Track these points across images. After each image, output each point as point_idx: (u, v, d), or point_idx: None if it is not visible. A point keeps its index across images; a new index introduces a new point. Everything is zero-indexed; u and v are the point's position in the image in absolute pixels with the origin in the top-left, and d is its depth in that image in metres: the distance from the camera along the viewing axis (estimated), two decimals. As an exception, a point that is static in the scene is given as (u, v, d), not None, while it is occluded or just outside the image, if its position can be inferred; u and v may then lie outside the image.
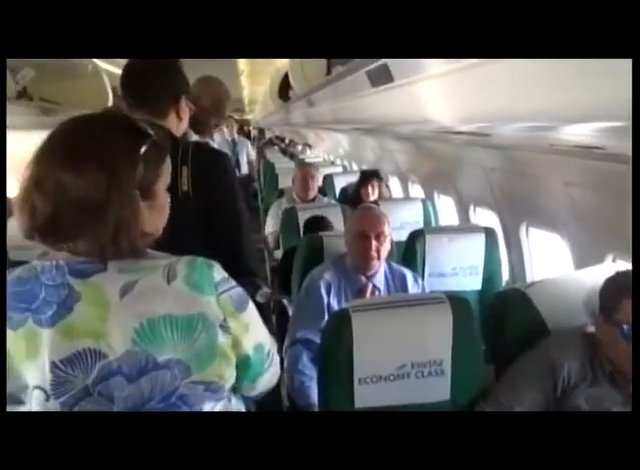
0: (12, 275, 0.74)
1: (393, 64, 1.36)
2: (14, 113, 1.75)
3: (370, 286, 1.71)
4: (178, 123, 1.38)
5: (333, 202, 3.29)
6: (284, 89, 3.37)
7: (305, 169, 3.32)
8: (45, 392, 0.71)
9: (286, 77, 3.37)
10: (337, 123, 3.06)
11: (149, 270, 0.74)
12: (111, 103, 2.89)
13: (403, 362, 1.15)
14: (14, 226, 2.19)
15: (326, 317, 1.58)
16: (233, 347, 0.77)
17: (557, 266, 1.90)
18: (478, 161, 2.13)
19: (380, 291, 1.73)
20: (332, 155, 6.63)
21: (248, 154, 5.03)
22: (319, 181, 3.50)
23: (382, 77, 1.51)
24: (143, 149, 0.75)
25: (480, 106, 1.08)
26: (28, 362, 0.71)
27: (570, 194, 1.57)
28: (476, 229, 2.03)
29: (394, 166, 3.69)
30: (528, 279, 1.97)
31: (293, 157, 7.29)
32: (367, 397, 1.15)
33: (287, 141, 10.23)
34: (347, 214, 2.80)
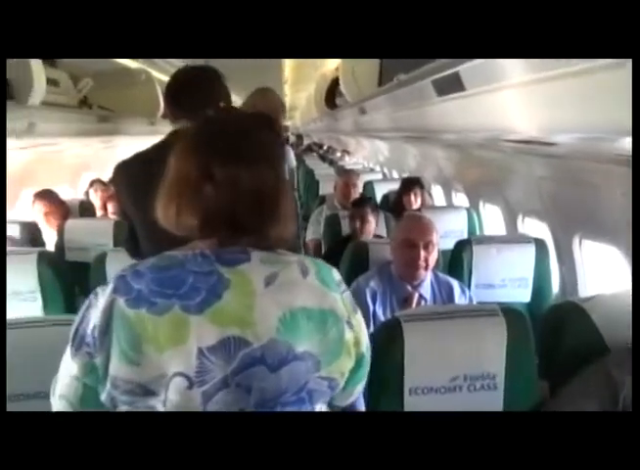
0: (144, 264, 0.74)
1: (466, 72, 1.34)
2: (76, 120, 1.84)
3: (416, 295, 1.70)
4: None
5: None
6: (330, 96, 3.39)
7: (347, 177, 3.33)
8: (189, 379, 0.70)
9: (333, 84, 3.39)
10: (396, 132, 3.03)
11: (286, 264, 0.76)
12: (162, 109, 3.00)
13: (456, 374, 1.13)
14: (73, 227, 2.29)
15: (371, 326, 1.57)
16: (354, 344, 0.79)
17: (613, 280, 1.82)
18: (528, 169, 2.07)
19: (426, 300, 1.71)
20: (371, 161, 6.61)
21: (289, 160, 5.08)
22: (360, 188, 3.50)
23: (451, 86, 1.49)
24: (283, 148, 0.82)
25: (558, 117, 1.05)
26: (173, 349, 0.70)
27: (629, 205, 1.50)
28: (525, 240, 1.98)
29: (437, 174, 3.64)
30: (581, 293, 1.90)
31: (332, 163, 7.31)
32: (417, 408, 1.13)
33: (325, 147, 10.29)
34: (390, 222, 2.79)
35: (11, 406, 1.18)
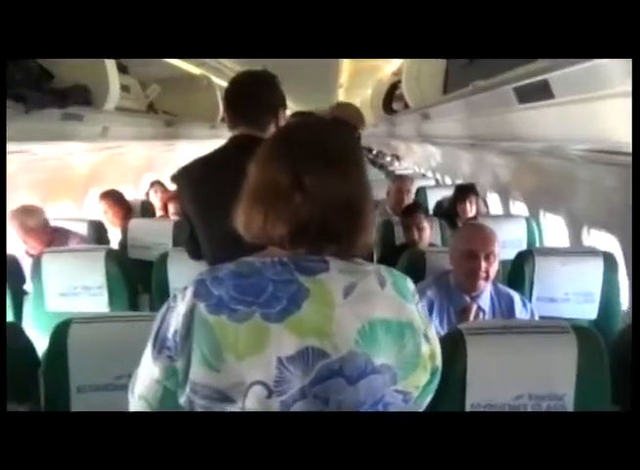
0: (223, 271, 0.73)
1: (555, 80, 1.29)
2: (144, 124, 1.93)
3: (474, 307, 1.65)
4: None
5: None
6: (388, 101, 3.38)
7: (401, 182, 3.29)
8: (268, 388, 0.69)
9: (391, 89, 3.38)
10: (469, 139, 2.96)
11: (363, 274, 0.74)
12: (221, 114, 3.10)
13: (520, 393, 1.09)
14: (136, 226, 2.39)
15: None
16: (430, 357, 0.77)
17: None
18: (597, 179, 1.97)
19: (485, 313, 1.65)
20: (422, 167, 6.51)
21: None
22: (413, 194, 3.46)
23: (538, 94, 1.44)
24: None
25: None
26: (252, 357, 0.69)
27: None
28: (593, 253, 1.88)
29: (493, 181, 3.54)
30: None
31: (382, 168, 7.25)
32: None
33: (375, 152, 10.23)
34: (445, 230, 2.73)
35: (78, 397, 1.25)
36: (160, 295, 1.87)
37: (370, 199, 0.78)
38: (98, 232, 2.75)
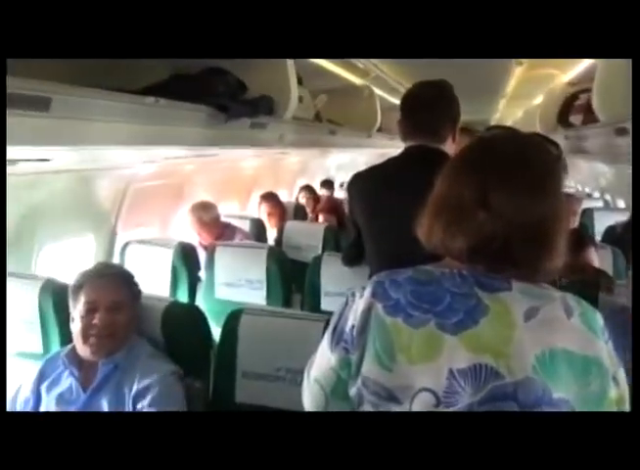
0: (401, 275, 0.74)
1: None
2: (312, 132, 2.06)
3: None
4: (451, 146, 1.41)
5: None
6: (565, 113, 3.11)
7: (567, 203, 3.00)
8: (437, 397, 0.69)
9: (569, 100, 3.10)
10: None
11: (548, 299, 0.70)
12: (378, 123, 3.16)
13: None
14: (291, 227, 2.53)
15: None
16: (617, 402, 0.70)
17: None
18: None
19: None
20: (588, 186, 5.85)
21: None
22: (579, 216, 3.13)
23: None
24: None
25: None
26: (423, 364, 0.70)
27: None
28: None
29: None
30: None
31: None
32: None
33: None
34: (618, 260, 2.41)
35: (242, 381, 1.36)
36: (312, 296, 1.95)
37: (563, 224, 0.73)
38: (258, 230, 2.99)
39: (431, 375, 0.69)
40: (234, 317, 1.38)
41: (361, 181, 1.45)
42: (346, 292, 1.86)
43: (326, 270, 2.00)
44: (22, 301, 1.56)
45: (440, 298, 0.71)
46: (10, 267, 1.78)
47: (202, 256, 2.32)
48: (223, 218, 2.68)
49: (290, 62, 1.96)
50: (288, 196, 4.40)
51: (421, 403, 0.70)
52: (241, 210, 3.64)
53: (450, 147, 1.40)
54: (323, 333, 1.25)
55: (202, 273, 2.26)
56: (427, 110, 1.38)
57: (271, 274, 2.10)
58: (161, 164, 2.27)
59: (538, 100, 4.46)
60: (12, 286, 1.58)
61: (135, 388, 1.23)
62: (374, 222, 1.39)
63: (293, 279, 2.24)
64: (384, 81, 2.97)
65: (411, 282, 0.73)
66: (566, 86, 3.23)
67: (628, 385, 0.72)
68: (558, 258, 0.72)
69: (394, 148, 1.86)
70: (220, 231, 2.57)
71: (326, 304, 1.87)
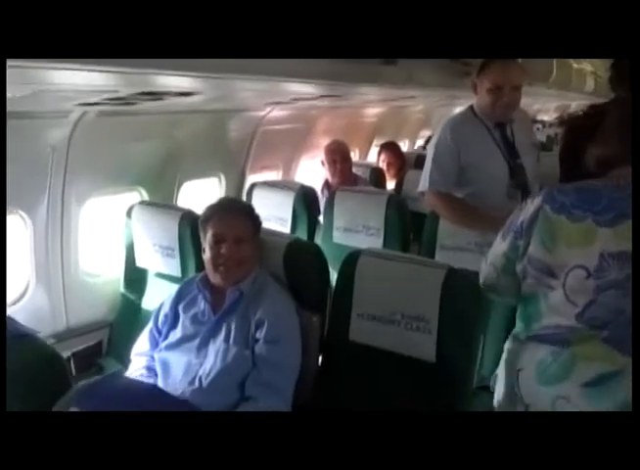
0: (569, 186, 0.95)
1: None
2: (442, 72, 1.93)
3: None
4: None
5: None
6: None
7: None
8: (588, 271, 0.90)
9: None
10: None
11: None
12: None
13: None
14: (410, 178, 2.41)
15: None
16: None
17: None
18: None
19: None
20: None
21: None
22: None
23: None
24: None
25: None
26: (580, 248, 0.91)
27: None
28: None
29: None
30: None
31: None
32: None
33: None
34: None
35: (357, 320, 1.39)
36: (429, 247, 1.90)
37: None
38: (377, 179, 2.96)
39: (585, 256, 0.90)
40: (352, 258, 1.40)
41: None
42: (465, 246, 1.78)
43: (444, 224, 1.92)
44: (165, 229, 1.75)
45: (599, 200, 0.90)
46: (156, 199, 1.99)
47: (321, 201, 2.36)
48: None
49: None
50: (410, 147, 4.26)
51: (574, 277, 0.91)
52: (361, 157, 3.62)
53: None
54: (442, 282, 1.23)
55: (320, 217, 2.31)
56: None
57: (389, 222, 2.08)
58: (287, 108, 2.31)
59: None
60: (157, 216, 1.77)
61: (258, 315, 1.33)
62: None
63: (410, 228, 2.19)
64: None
65: (575, 190, 0.94)
66: None
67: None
68: None
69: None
70: (348, 175, 2.60)
71: (440, 256, 1.80)
